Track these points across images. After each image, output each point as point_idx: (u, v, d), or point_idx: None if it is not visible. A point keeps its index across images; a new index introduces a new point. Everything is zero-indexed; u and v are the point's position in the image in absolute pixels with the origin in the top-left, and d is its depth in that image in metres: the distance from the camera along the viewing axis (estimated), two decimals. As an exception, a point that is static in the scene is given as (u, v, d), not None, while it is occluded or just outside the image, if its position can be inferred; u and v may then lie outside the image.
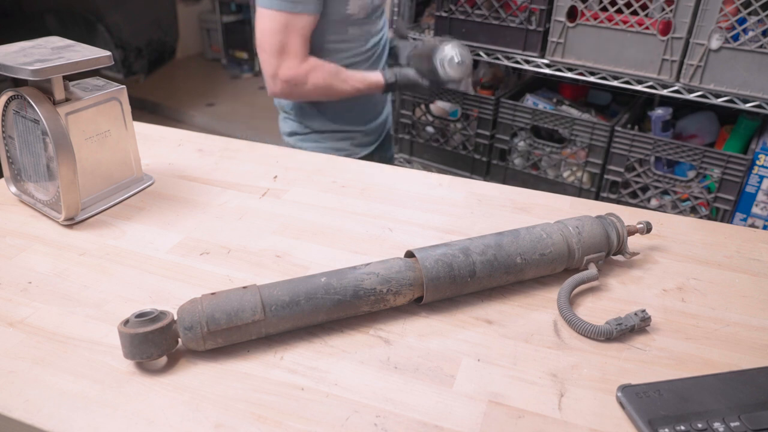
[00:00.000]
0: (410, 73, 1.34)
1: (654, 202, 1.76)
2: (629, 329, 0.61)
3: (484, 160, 2.00)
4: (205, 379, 0.55)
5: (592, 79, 1.74)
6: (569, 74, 1.78)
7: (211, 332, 0.55)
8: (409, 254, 0.65)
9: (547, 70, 1.80)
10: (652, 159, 1.71)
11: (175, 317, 0.56)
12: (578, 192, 1.85)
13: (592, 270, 0.68)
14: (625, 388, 0.54)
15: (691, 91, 1.62)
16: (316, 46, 1.28)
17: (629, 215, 0.85)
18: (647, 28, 1.59)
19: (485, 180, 1.97)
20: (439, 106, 1.93)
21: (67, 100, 0.76)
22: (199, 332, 0.55)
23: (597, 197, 1.82)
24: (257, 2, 1.20)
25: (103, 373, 0.55)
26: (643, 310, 0.62)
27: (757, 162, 1.58)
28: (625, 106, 1.97)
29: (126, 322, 0.55)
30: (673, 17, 1.55)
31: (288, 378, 0.56)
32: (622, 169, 1.75)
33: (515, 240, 0.66)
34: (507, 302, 0.67)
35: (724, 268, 0.74)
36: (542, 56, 1.80)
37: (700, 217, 1.66)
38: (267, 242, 0.76)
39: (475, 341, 0.61)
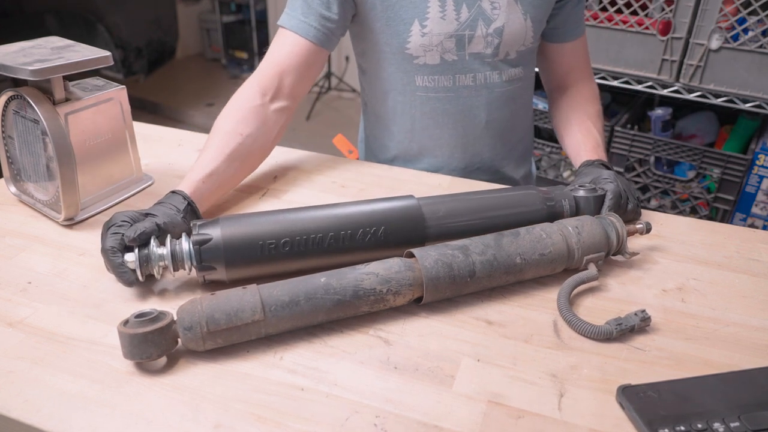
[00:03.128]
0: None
1: (654, 202, 1.76)
2: (629, 329, 0.61)
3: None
4: (205, 379, 0.55)
5: (591, 79, 1.74)
6: (569, 74, 1.78)
7: (210, 332, 0.55)
8: (409, 254, 0.65)
9: (546, 70, 1.80)
10: (652, 159, 1.71)
11: (175, 317, 0.56)
12: (578, 192, 1.85)
13: (592, 270, 0.68)
14: (624, 389, 0.54)
15: (690, 91, 1.63)
16: (379, 103, 1.03)
17: (629, 215, 0.85)
18: (647, 28, 1.59)
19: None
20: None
21: (66, 100, 0.76)
22: (198, 332, 0.55)
23: (597, 197, 1.81)
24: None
25: (103, 373, 0.55)
26: (643, 310, 0.62)
27: (757, 162, 1.58)
28: (625, 106, 1.98)
29: (125, 323, 0.55)
30: (673, 17, 1.55)
31: (288, 378, 0.56)
32: (622, 169, 1.75)
33: (515, 240, 0.66)
34: (507, 302, 0.67)
35: (724, 268, 0.74)
36: (542, 56, 1.80)
37: (700, 217, 1.66)
38: (267, 242, 0.76)
39: (475, 341, 0.61)
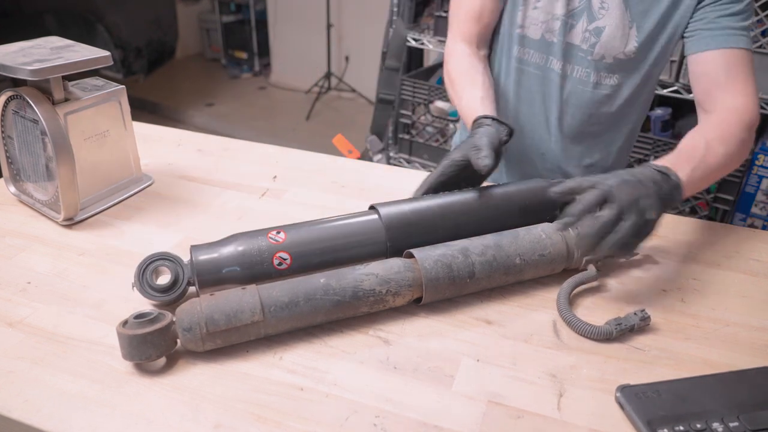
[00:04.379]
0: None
1: (653, 202, 1.76)
2: (629, 329, 0.61)
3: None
4: (205, 379, 0.55)
5: (591, 79, 1.74)
6: (569, 74, 1.77)
7: (210, 333, 0.55)
8: (408, 255, 0.65)
9: (546, 70, 1.80)
10: (652, 159, 1.71)
11: (174, 318, 0.56)
12: (578, 192, 1.84)
13: (591, 271, 0.68)
14: (624, 389, 0.54)
15: (690, 91, 1.62)
16: (495, 57, 1.04)
17: (629, 215, 0.85)
18: (647, 28, 1.59)
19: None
20: (439, 106, 1.93)
21: (66, 100, 0.76)
22: (198, 333, 0.55)
23: (596, 197, 1.81)
24: None
25: (103, 373, 0.55)
26: (643, 310, 0.62)
27: (756, 162, 1.58)
28: (625, 106, 1.97)
29: (125, 323, 0.55)
30: (673, 17, 1.55)
31: (287, 378, 0.56)
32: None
33: (514, 240, 0.66)
34: (506, 302, 0.67)
35: (724, 268, 0.74)
36: (542, 56, 1.80)
37: (700, 218, 1.66)
38: (266, 242, 0.76)
39: (475, 341, 0.61)
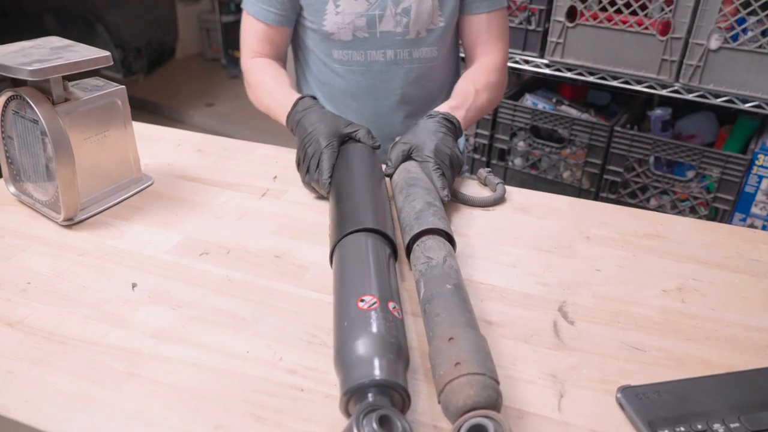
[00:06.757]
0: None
1: (653, 202, 1.76)
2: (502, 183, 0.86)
3: (483, 161, 2.00)
4: (205, 379, 0.55)
5: (591, 79, 1.74)
6: (569, 74, 1.78)
7: None
8: (423, 234, 0.69)
9: (546, 70, 1.80)
10: (652, 159, 1.71)
11: None
12: (577, 192, 1.85)
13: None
14: (624, 389, 0.54)
15: (690, 91, 1.63)
16: (308, 69, 1.15)
17: (628, 215, 0.85)
18: (646, 28, 1.59)
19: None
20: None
21: (66, 100, 0.76)
22: None
23: (596, 197, 1.82)
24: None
25: (102, 374, 0.55)
26: (485, 168, 0.82)
27: (756, 162, 1.58)
28: (625, 106, 1.98)
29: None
30: (673, 17, 1.55)
31: (287, 379, 0.56)
32: (621, 169, 1.75)
33: (432, 185, 0.80)
34: (507, 302, 0.67)
35: (724, 268, 0.74)
36: (542, 56, 1.80)
37: (700, 217, 1.66)
38: (266, 242, 0.76)
39: (475, 342, 0.61)
